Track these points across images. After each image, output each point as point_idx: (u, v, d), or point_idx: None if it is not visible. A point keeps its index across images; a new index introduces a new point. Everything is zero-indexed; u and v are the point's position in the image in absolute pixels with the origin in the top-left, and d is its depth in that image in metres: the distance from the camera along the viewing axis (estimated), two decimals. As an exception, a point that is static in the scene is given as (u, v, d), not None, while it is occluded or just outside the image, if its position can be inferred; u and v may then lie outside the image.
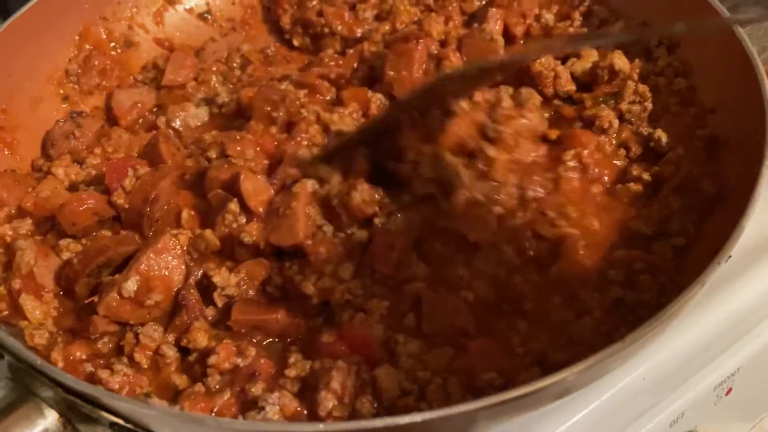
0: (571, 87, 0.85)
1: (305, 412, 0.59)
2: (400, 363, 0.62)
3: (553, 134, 0.81)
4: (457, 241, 0.69)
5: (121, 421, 0.55)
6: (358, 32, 0.97)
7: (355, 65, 0.92)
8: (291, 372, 0.61)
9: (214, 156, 0.79)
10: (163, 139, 0.81)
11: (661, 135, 0.78)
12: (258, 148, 0.79)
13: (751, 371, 0.90)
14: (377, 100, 0.84)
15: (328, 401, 0.58)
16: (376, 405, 0.59)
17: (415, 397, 0.60)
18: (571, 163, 0.76)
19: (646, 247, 0.70)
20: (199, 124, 0.90)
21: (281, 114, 0.83)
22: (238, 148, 0.78)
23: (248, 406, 0.60)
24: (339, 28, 0.97)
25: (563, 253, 0.68)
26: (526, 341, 0.64)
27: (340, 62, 0.93)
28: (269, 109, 0.83)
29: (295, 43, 1.00)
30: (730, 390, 0.91)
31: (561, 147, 0.78)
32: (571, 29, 0.91)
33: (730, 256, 0.60)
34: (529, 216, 0.71)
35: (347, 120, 0.82)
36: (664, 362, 0.77)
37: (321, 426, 0.52)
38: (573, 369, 0.52)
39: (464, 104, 0.75)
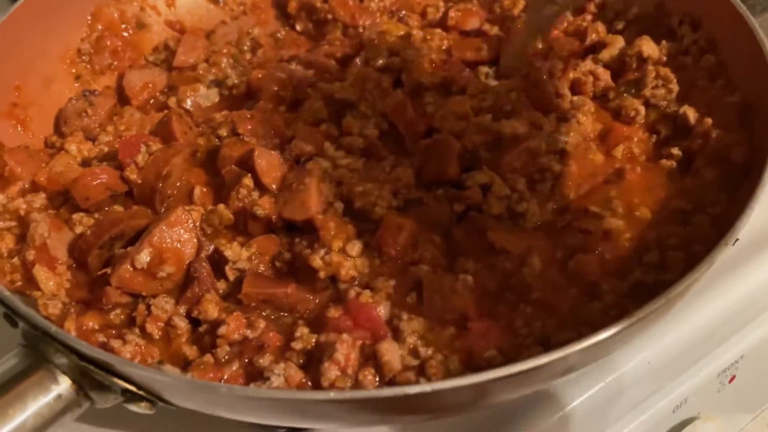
0: (610, 83, 0.84)
1: (309, 383, 0.60)
2: (404, 339, 0.62)
3: (594, 130, 0.80)
4: (479, 237, 0.70)
5: (133, 388, 0.56)
6: (360, 21, 0.98)
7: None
8: (297, 345, 0.62)
9: (225, 134, 0.80)
10: (175, 117, 0.82)
11: (688, 110, 0.78)
12: (268, 127, 0.80)
13: (755, 359, 0.91)
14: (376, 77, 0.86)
15: (331, 372, 0.58)
16: (378, 378, 0.60)
17: (415, 372, 0.60)
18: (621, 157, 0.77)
19: (683, 222, 0.70)
20: (209, 105, 0.91)
21: (289, 93, 0.83)
22: (249, 127, 0.79)
23: (255, 376, 0.61)
24: (341, 14, 0.98)
25: (607, 245, 0.69)
26: (529, 323, 0.64)
27: (346, 43, 0.94)
28: (277, 88, 0.84)
29: (298, 27, 1.02)
30: (733, 377, 0.91)
31: (606, 144, 0.78)
32: (584, 24, 0.90)
33: (737, 239, 0.60)
34: (569, 217, 0.71)
35: (349, 90, 0.83)
36: (668, 347, 0.77)
37: (332, 394, 0.52)
38: (575, 347, 0.53)
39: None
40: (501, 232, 0.70)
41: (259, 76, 0.87)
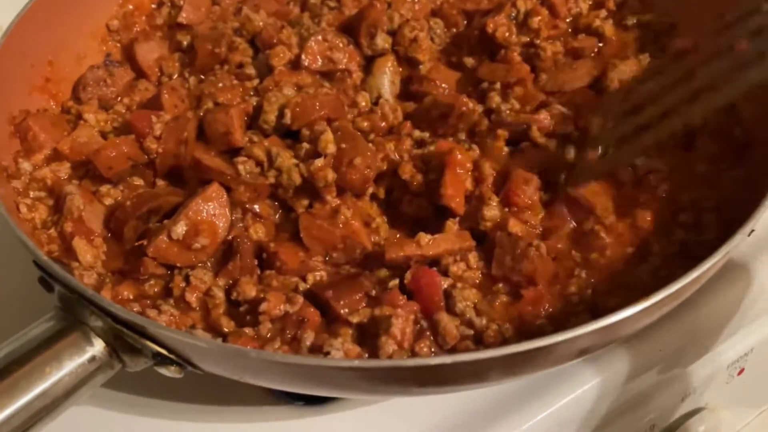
0: None
1: (366, 356, 0.61)
2: (457, 309, 0.64)
3: None
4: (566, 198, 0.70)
5: (164, 352, 0.57)
6: None
7: None
8: (354, 318, 0.63)
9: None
10: (166, 91, 0.82)
11: None
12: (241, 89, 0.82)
13: (765, 353, 0.92)
14: None
15: (389, 346, 0.59)
16: (434, 350, 0.61)
17: (472, 341, 0.62)
18: None
19: (711, 186, 0.72)
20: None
21: (223, 50, 0.85)
22: (229, 96, 0.81)
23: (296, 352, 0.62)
24: None
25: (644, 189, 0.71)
26: (581, 289, 0.65)
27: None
28: (211, 47, 0.85)
29: None
30: (742, 370, 0.92)
31: None
32: (597, 21, 0.90)
33: (753, 231, 0.61)
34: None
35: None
36: (679, 335, 0.79)
37: (356, 362, 0.54)
38: (592, 325, 0.54)
39: None
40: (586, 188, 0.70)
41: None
